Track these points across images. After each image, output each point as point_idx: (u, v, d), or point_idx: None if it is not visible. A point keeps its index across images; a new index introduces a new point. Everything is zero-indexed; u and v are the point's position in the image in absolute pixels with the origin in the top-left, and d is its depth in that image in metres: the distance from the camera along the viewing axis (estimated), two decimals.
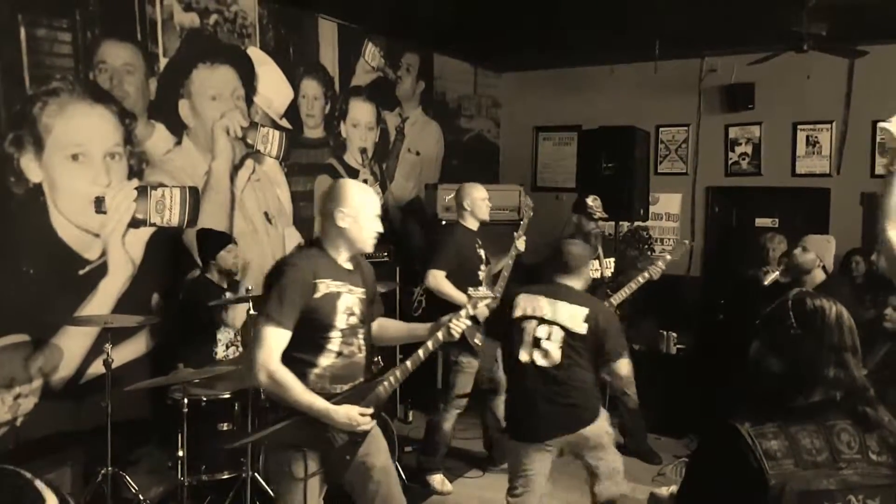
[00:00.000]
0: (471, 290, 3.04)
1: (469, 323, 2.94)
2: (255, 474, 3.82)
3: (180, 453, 3.63)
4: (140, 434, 4.24)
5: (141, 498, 3.75)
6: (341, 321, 2.69)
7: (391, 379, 2.82)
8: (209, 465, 3.83)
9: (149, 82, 4.56)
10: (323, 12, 5.75)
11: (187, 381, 3.65)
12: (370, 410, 2.72)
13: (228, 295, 4.34)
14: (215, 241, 4.50)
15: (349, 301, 2.72)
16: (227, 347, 4.36)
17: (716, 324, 6.12)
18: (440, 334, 2.85)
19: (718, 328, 6.03)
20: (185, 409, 3.60)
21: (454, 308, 3.11)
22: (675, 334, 6.15)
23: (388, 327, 3.09)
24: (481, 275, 4.60)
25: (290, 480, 2.64)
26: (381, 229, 2.79)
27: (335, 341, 2.69)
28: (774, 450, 1.53)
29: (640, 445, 5.16)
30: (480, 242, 4.65)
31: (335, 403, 2.63)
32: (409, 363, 2.85)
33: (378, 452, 2.88)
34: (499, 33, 6.23)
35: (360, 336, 2.79)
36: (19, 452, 3.89)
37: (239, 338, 4.40)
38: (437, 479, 4.63)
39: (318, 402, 2.60)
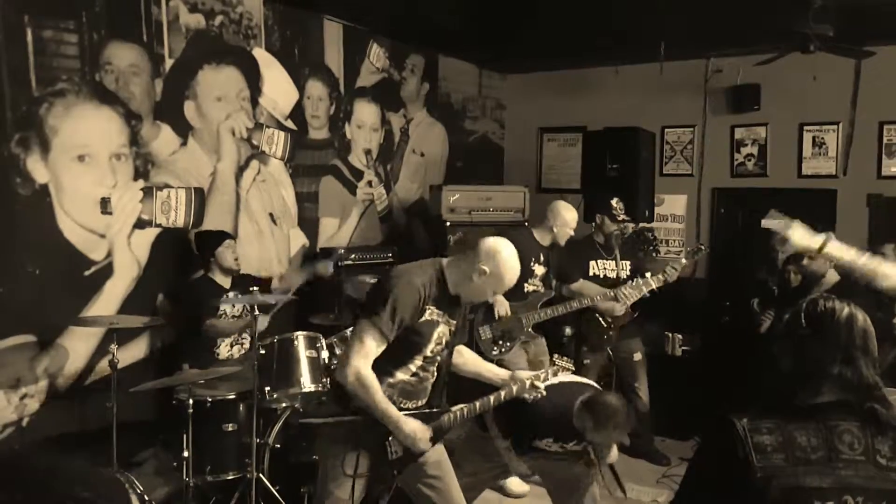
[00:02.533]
0: (556, 358, 3.14)
1: (543, 393, 3.00)
2: (261, 475, 3.82)
3: (186, 454, 3.64)
4: (145, 435, 4.24)
5: (146, 498, 3.75)
6: (429, 348, 2.78)
7: (457, 413, 2.91)
8: (214, 465, 3.83)
9: (154, 83, 4.56)
10: (328, 13, 5.75)
11: (192, 382, 3.65)
12: (431, 433, 2.80)
13: (231, 294, 4.34)
14: (213, 238, 4.51)
15: (443, 331, 2.80)
16: (231, 347, 4.36)
17: (721, 326, 6.11)
18: (514, 388, 2.94)
19: (724, 330, 6.03)
20: (191, 410, 3.60)
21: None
22: (680, 336, 6.14)
23: (468, 360, 3.13)
24: (528, 287, 4.60)
25: (340, 476, 2.74)
26: (491, 301, 2.93)
27: (417, 363, 2.78)
28: (765, 444, 1.55)
29: (647, 447, 5.15)
30: (544, 259, 4.66)
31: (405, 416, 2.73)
32: (478, 405, 2.94)
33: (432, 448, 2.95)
34: (503, 35, 6.23)
35: (438, 362, 2.87)
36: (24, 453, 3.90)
37: (245, 336, 4.39)
38: (514, 482, 4.50)
39: (392, 410, 2.68)
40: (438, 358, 2.85)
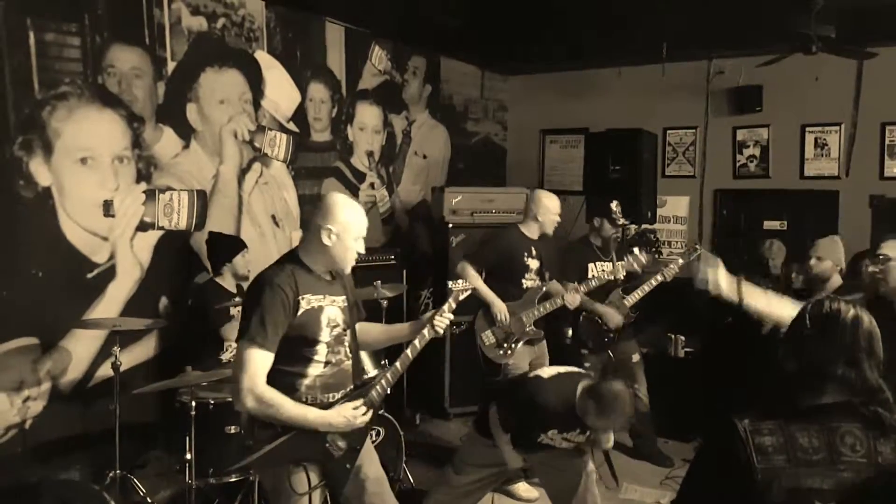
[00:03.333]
0: (451, 283, 3.03)
1: (451, 317, 2.92)
2: None
3: (188, 456, 3.63)
4: (148, 437, 4.25)
5: (149, 501, 3.75)
6: (326, 334, 2.68)
7: (383, 382, 2.83)
8: (217, 468, 3.82)
9: (157, 86, 4.57)
10: (330, 16, 5.76)
11: (195, 384, 3.65)
12: (360, 402, 2.71)
13: (238, 300, 4.35)
14: (231, 245, 4.50)
15: (332, 313, 2.71)
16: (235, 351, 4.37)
17: (724, 327, 6.09)
18: (426, 332, 2.85)
19: (726, 331, 6.01)
20: (193, 412, 3.60)
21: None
22: (683, 338, 6.13)
23: (370, 331, 3.05)
24: (526, 284, 4.60)
25: (292, 497, 2.61)
26: (363, 251, 2.75)
27: (321, 353, 2.68)
28: (767, 445, 1.55)
29: (650, 449, 5.14)
30: (536, 252, 4.64)
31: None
32: (398, 364, 2.86)
33: (370, 463, 2.89)
34: (505, 36, 6.23)
35: (346, 343, 2.78)
36: (28, 455, 3.90)
37: None
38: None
39: (311, 413, 2.59)
40: (345, 340, 2.76)
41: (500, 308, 4.52)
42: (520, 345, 4.59)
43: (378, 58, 6.31)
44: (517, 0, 5.15)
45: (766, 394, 1.70)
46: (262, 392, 2.50)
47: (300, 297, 2.61)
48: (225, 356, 4.32)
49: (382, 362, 4.25)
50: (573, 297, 4.50)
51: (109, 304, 4.32)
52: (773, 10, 5.03)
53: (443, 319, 2.86)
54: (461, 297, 2.99)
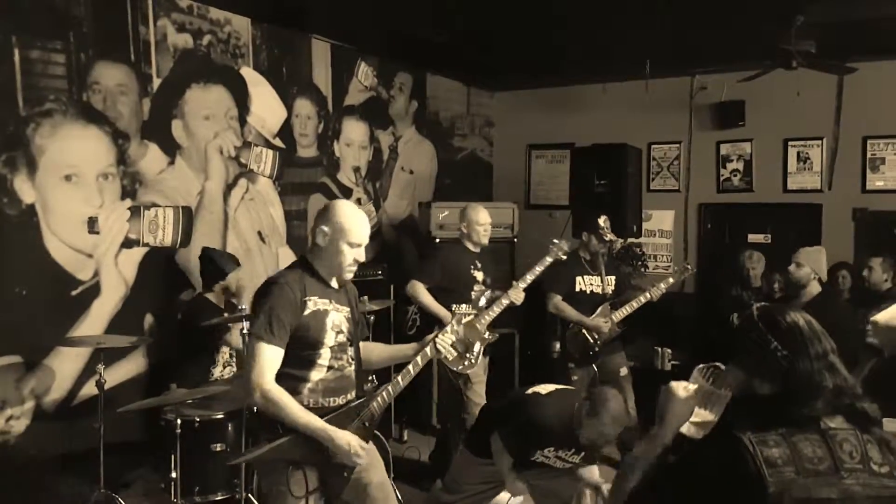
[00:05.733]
0: (454, 307, 3.07)
1: (454, 339, 2.95)
2: (250, 495, 3.79)
3: (174, 475, 3.60)
4: (133, 456, 4.20)
5: None
6: (330, 338, 2.70)
7: (384, 395, 2.84)
8: (203, 486, 3.79)
9: (142, 103, 4.57)
10: (316, 33, 5.78)
11: (180, 402, 3.62)
12: (368, 446, 2.72)
13: (227, 315, 4.32)
14: (225, 262, 4.48)
15: (337, 318, 2.73)
16: (224, 367, 4.34)
17: (710, 340, 6.12)
18: (428, 351, 2.88)
19: (713, 344, 6.04)
20: (179, 430, 3.57)
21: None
22: (669, 351, 6.16)
23: (373, 350, 3.09)
24: (474, 294, 4.57)
25: (289, 499, 2.60)
26: (362, 259, 2.77)
27: (325, 356, 2.69)
28: (775, 457, 1.53)
29: None
30: (480, 265, 4.65)
31: (330, 418, 2.61)
32: (399, 379, 2.87)
33: (375, 468, 2.87)
34: (491, 53, 6.27)
35: (350, 352, 2.79)
36: (11, 474, 3.85)
37: (234, 359, 4.38)
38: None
39: (317, 422, 2.58)
40: (349, 349, 2.78)
41: (468, 312, 4.45)
42: (480, 351, 4.52)
43: (364, 74, 6.34)
44: (503, 17, 5.19)
45: (756, 405, 1.69)
46: (268, 388, 2.53)
47: (307, 298, 2.64)
48: (216, 371, 4.29)
49: (370, 377, 4.23)
50: (518, 294, 4.39)
51: (94, 322, 4.29)
52: (755, 27, 5.10)
53: (445, 339, 2.91)
54: (464, 321, 3.04)
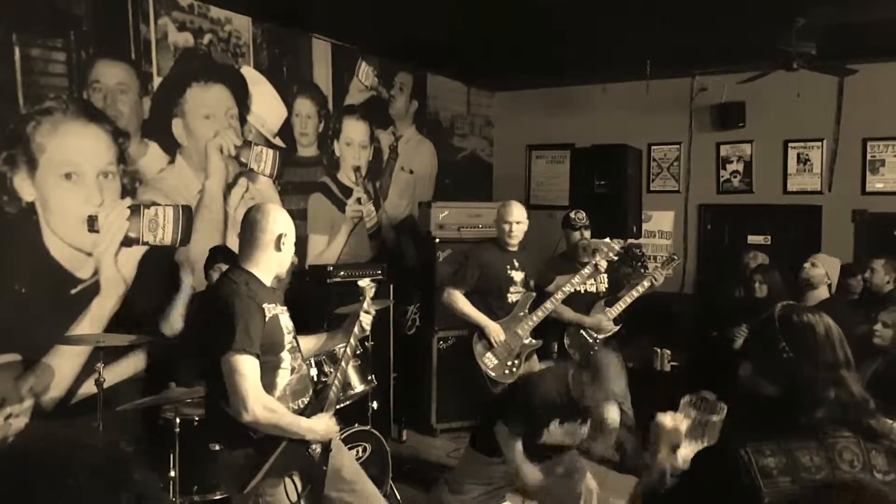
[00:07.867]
0: (359, 282, 3.12)
1: (373, 312, 3.08)
2: None
3: (172, 473, 3.60)
4: (132, 454, 4.20)
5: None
6: (287, 340, 2.76)
7: (336, 383, 2.95)
8: (201, 485, 3.79)
9: (142, 101, 4.56)
10: (317, 32, 5.78)
11: (179, 401, 3.62)
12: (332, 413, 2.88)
13: None
14: (216, 255, 4.45)
15: (284, 320, 2.80)
16: None
17: (709, 341, 6.13)
18: (356, 330, 3.02)
19: (712, 345, 6.04)
20: (177, 429, 3.57)
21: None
22: (668, 351, 6.16)
23: (309, 340, 3.13)
24: (512, 297, 4.47)
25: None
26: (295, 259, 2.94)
27: (287, 360, 2.75)
28: (771, 467, 1.52)
29: (635, 462, 5.14)
30: (518, 264, 4.51)
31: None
32: (343, 364, 3.01)
33: (341, 451, 3.04)
34: (491, 53, 6.27)
35: (299, 350, 2.87)
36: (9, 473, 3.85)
37: None
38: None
39: (302, 421, 2.68)
40: (298, 347, 2.86)
41: (494, 330, 4.37)
42: (522, 360, 4.44)
43: (365, 73, 6.34)
44: (503, 17, 5.19)
45: (755, 411, 1.68)
46: (267, 400, 2.57)
47: (263, 305, 2.68)
48: None
49: (369, 377, 4.23)
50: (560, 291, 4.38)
51: (93, 320, 4.29)
52: (755, 28, 5.10)
53: (365, 316, 3.05)
54: (371, 294, 3.12)
